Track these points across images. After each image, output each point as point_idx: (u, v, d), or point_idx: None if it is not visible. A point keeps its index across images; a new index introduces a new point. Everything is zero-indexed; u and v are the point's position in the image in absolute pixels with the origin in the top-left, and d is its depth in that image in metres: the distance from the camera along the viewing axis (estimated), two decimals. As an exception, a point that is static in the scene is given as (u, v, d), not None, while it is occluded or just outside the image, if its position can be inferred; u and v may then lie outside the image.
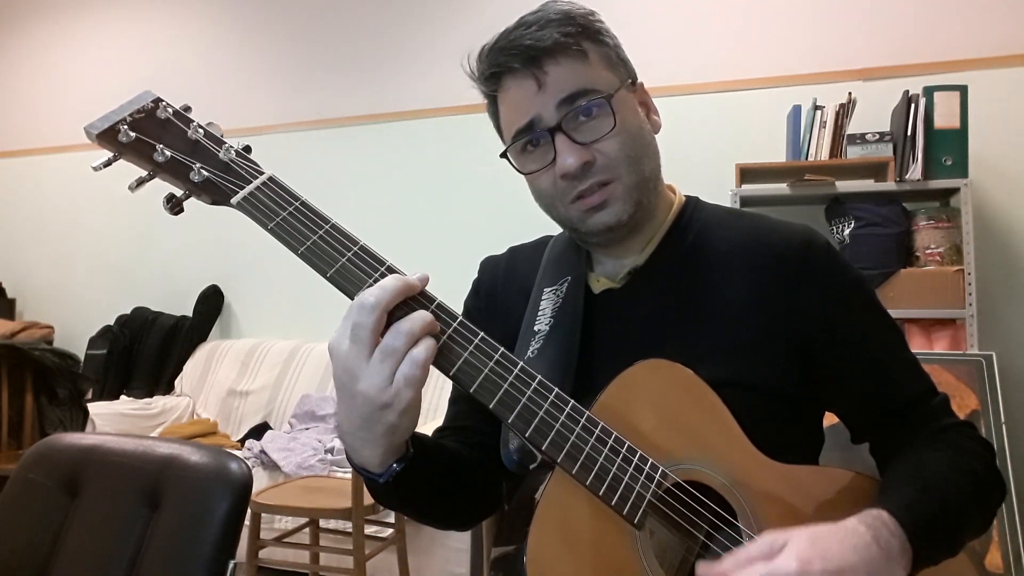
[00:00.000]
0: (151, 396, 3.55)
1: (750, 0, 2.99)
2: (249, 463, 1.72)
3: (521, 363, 0.66)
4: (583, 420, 0.66)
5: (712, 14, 3.04)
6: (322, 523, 2.45)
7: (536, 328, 0.86)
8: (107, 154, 0.70)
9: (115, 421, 3.15)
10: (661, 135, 0.87)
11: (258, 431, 3.17)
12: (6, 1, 4.36)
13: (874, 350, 0.83)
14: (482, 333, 0.65)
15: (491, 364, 0.65)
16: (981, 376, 2.23)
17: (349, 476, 2.27)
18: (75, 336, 3.87)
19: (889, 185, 2.50)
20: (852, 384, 0.83)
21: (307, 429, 3.00)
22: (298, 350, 3.42)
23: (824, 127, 2.61)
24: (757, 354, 0.79)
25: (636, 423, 0.70)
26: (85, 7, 4.19)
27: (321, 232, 0.66)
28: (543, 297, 0.89)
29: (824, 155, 2.60)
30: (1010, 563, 2.06)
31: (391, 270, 0.65)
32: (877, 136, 2.55)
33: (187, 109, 0.72)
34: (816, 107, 2.63)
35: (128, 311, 3.81)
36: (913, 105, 2.46)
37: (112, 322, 3.80)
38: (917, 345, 2.38)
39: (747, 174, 2.66)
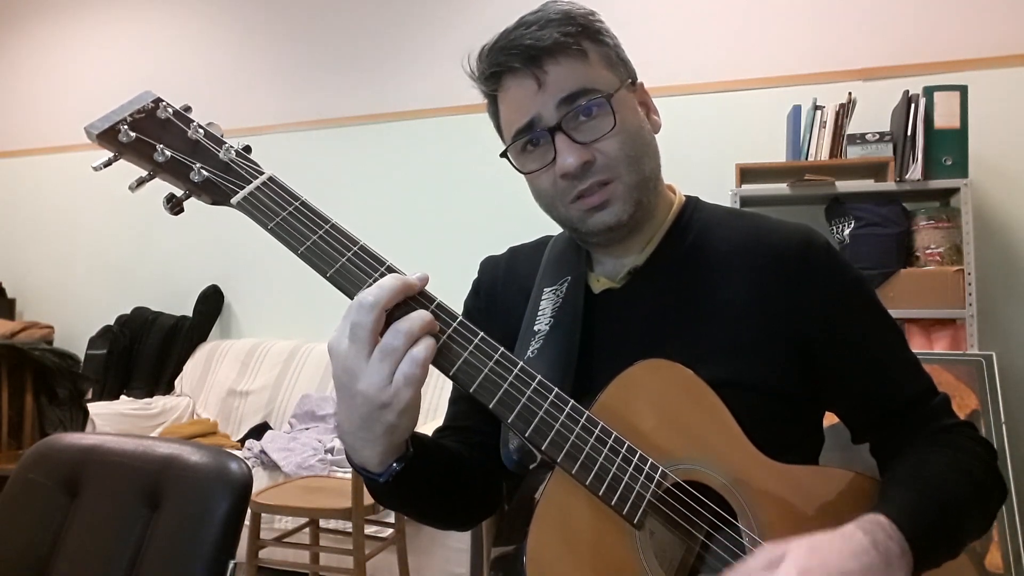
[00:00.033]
0: (151, 396, 3.55)
1: (750, 0, 2.99)
2: (249, 463, 1.73)
3: (521, 363, 0.66)
4: (583, 420, 0.66)
5: (712, 14, 3.04)
6: (322, 523, 2.45)
7: (536, 328, 0.86)
8: (107, 154, 0.70)
9: (115, 421, 3.15)
10: (661, 135, 0.87)
11: (258, 431, 3.17)
12: (6, 1, 4.36)
13: (874, 350, 0.83)
14: (482, 333, 0.65)
15: (491, 364, 0.65)
16: (981, 376, 2.23)
17: (349, 476, 2.27)
18: (75, 336, 3.87)
19: (889, 185, 2.50)
20: (852, 384, 0.83)
21: (307, 429, 3.00)
22: (298, 350, 3.42)
23: (824, 127, 2.61)
24: (757, 354, 0.79)
25: (636, 423, 0.70)
26: (85, 7, 4.19)
27: (321, 232, 0.66)
28: (543, 297, 0.89)
29: (824, 155, 2.60)
30: (1010, 563, 2.06)
31: (391, 270, 0.65)
32: (877, 136, 2.55)
33: (187, 109, 0.72)
34: (816, 107, 2.63)
35: (128, 311, 3.81)
36: (913, 105, 2.46)
37: (112, 322, 3.80)
38: (917, 345, 2.38)
39: (747, 174, 2.66)
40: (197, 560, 0.87)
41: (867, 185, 2.59)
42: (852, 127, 2.59)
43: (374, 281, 0.63)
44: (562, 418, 0.66)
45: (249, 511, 1.54)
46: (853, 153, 2.56)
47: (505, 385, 0.64)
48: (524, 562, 0.62)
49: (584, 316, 0.84)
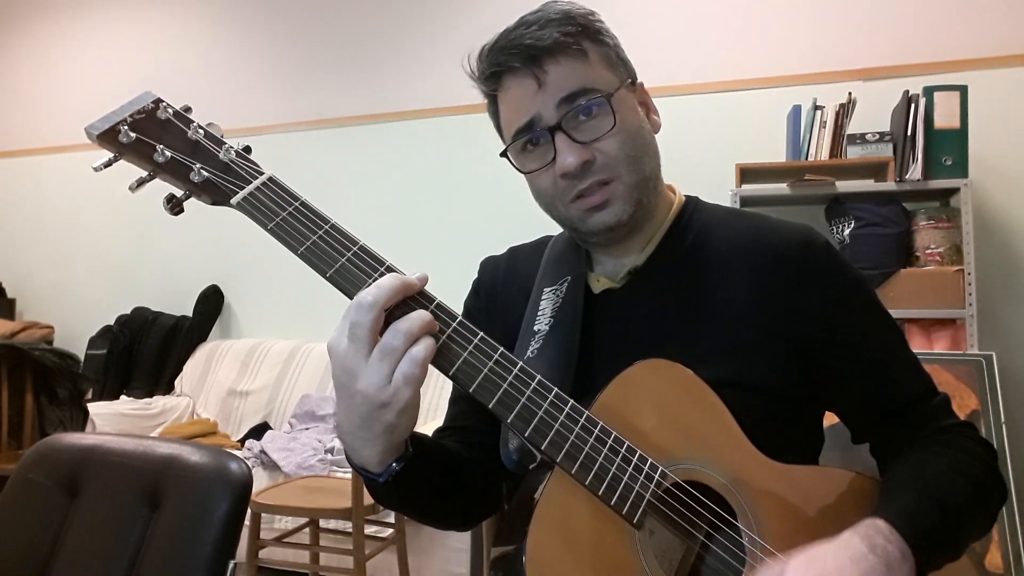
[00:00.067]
0: (151, 396, 3.55)
1: (750, 0, 2.99)
2: (249, 463, 1.73)
3: (520, 363, 0.66)
4: (582, 420, 0.66)
5: (712, 14, 3.04)
6: (322, 523, 2.45)
7: (536, 328, 0.86)
8: (107, 154, 0.70)
9: (115, 421, 3.15)
10: (661, 135, 0.87)
11: (258, 431, 3.17)
12: (6, 1, 4.36)
13: (874, 350, 0.83)
14: (482, 333, 0.65)
15: (490, 364, 0.65)
16: (981, 376, 2.23)
17: (349, 476, 2.27)
18: (75, 336, 3.87)
19: (889, 185, 2.50)
20: (852, 384, 0.83)
21: (307, 429, 3.00)
22: (298, 350, 3.42)
23: (824, 127, 2.61)
24: (757, 354, 0.79)
25: (636, 423, 0.70)
26: (85, 7, 4.19)
27: (321, 232, 0.66)
28: (543, 297, 0.89)
29: (824, 155, 2.60)
30: (1010, 563, 2.06)
31: (391, 270, 0.65)
32: (877, 136, 2.55)
33: (187, 110, 0.72)
34: (816, 107, 2.63)
35: (128, 311, 3.81)
36: (913, 105, 2.46)
37: (112, 322, 3.80)
38: (917, 345, 2.38)
39: (747, 174, 2.66)
40: (197, 560, 0.87)
41: (867, 185, 2.59)
42: (852, 127, 2.59)
43: (374, 281, 0.63)
44: (561, 418, 0.66)
45: (249, 511, 1.54)
46: (853, 153, 2.56)
47: (505, 385, 0.64)
48: (524, 562, 0.62)
49: (584, 316, 0.84)
